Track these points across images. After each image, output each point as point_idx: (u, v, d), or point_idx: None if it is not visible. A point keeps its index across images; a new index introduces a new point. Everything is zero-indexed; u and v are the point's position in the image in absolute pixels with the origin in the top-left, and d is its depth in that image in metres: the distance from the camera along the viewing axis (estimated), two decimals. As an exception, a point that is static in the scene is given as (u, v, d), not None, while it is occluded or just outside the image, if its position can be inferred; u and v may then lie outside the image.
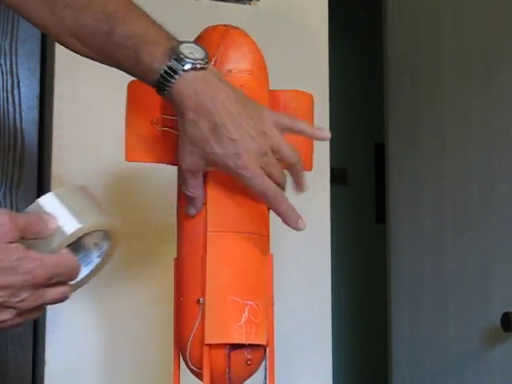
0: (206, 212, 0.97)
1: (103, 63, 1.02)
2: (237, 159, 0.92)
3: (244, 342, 0.95)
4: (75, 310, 1.55)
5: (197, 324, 0.95)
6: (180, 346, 1.00)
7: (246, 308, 0.95)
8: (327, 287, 1.76)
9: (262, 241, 1.00)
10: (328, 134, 1.03)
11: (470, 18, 2.18)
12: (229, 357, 0.95)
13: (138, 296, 1.59)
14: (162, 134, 1.01)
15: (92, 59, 1.03)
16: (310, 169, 1.08)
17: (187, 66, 0.92)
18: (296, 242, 1.71)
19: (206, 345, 0.94)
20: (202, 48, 0.95)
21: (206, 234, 0.97)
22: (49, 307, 1.52)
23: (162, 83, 0.93)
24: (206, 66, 0.94)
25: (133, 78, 1.03)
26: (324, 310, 1.75)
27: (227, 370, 0.95)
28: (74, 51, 1.05)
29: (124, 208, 1.60)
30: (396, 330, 2.39)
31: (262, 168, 0.93)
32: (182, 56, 0.92)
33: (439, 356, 2.20)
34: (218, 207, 0.97)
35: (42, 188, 1.61)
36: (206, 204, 0.98)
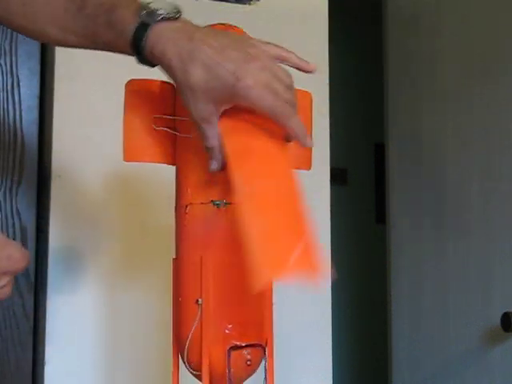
0: (206, 212, 0.97)
1: (86, 47, 1.01)
2: (236, 82, 0.88)
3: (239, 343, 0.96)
4: (75, 311, 1.55)
5: (195, 324, 0.95)
6: (179, 347, 1.00)
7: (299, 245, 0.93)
8: (327, 287, 1.76)
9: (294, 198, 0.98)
10: (313, 67, 1.00)
11: (469, 18, 2.18)
12: (228, 357, 0.95)
13: (138, 296, 1.59)
14: (161, 133, 1.01)
15: (75, 46, 1.02)
16: (309, 168, 1.08)
17: (159, 18, 0.91)
18: (296, 242, 1.71)
19: (207, 344, 0.94)
20: (172, 3, 0.94)
21: (207, 232, 0.97)
22: (49, 307, 1.52)
23: (138, 40, 0.92)
24: (178, 15, 0.93)
25: (131, 77, 1.03)
26: (324, 310, 1.75)
27: (227, 370, 0.95)
28: (58, 43, 1.04)
29: (124, 208, 1.60)
30: (396, 330, 2.39)
31: (265, 86, 0.90)
32: (151, 10, 0.92)
33: (439, 356, 2.20)
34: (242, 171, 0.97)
35: (42, 188, 1.61)
36: (206, 204, 0.97)
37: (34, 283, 1.56)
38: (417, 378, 2.29)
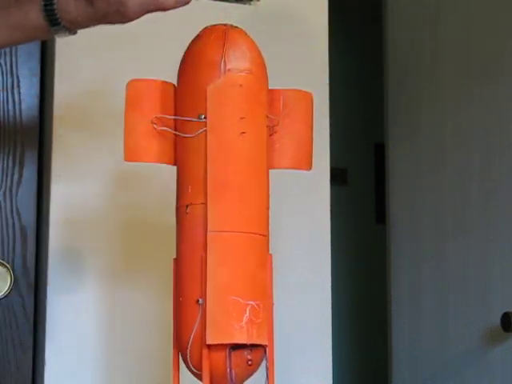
0: (206, 212, 0.97)
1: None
2: None
3: (246, 342, 0.95)
4: (75, 311, 1.55)
5: (196, 324, 0.95)
6: (179, 347, 1.00)
7: (248, 308, 0.95)
8: (327, 287, 1.76)
9: (261, 241, 0.99)
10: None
11: (470, 18, 2.18)
12: (229, 357, 0.94)
13: (139, 296, 1.58)
14: (161, 134, 1.01)
15: None
16: (309, 168, 1.08)
17: None
18: (296, 242, 1.71)
19: (207, 345, 0.94)
20: None
21: (206, 233, 0.96)
22: (49, 307, 1.52)
23: (50, 10, 0.98)
24: None
25: (132, 78, 1.03)
26: (324, 310, 1.75)
27: (228, 370, 0.95)
28: None
29: (124, 208, 1.60)
30: (396, 330, 2.38)
31: None
32: None
33: (439, 356, 2.19)
34: (218, 207, 0.97)
35: (42, 188, 1.61)
36: (206, 204, 0.97)
37: (34, 283, 1.56)
38: (417, 378, 2.29)
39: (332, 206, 1.79)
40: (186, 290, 0.98)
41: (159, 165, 1.04)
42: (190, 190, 0.99)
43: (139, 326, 1.58)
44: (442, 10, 2.30)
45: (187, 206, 0.99)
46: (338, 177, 3.48)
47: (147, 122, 1.01)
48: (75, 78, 1.58)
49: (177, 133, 1.00)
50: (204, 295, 0.95)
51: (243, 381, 0.99)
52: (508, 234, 1.98)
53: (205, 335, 0.94)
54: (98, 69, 1.60)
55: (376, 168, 3.63)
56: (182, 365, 1.04)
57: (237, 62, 1.01)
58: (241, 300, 0.94)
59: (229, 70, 1.00)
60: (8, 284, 1.52)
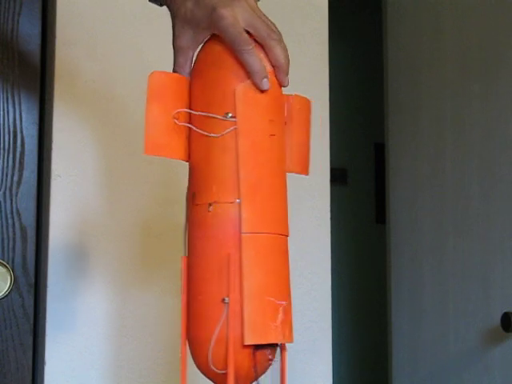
0: (233, 211, 0.97)
1: None
2: (213, 12, 0.95)
3: (281, 341, 0.96)
4: (75, 311, 1.55)
5: (221, 323, 0.94)
6: (195, 346, 0.99)
7: (280, 308, 0.96)
8: (327, 287, 1.76)
9: (286, 241, 1.01)
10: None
11: (470, 17, 2.18)
12: (254, 356, 0.95)
13: (139, 296, 1.59)
14: (181, 128, 1.00)
15: None
16: (307, 173, 1.08)
17: None
18: (296, 242, 1.71)
19: (241, 346, 0.94)
20: None
21: (238, 234, 0.97)
22: (49, 307, 1.52)
23: None
24: None
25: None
26: (324, 309, 1.75)
27: (254, 369, 0.95)
28: None
29: (124, 208, 1.60)
30: (396, 330, 2.39)
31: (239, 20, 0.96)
32: None
33: (439, 356, 2.20)
34: (252, 208, 0.98)
35: (42, 188, 1.61)
36: (233, 203, 0.97)
37: (34, 283, 1.56)
38: (417, 378, 2.29)
39: (332, 206, 1.79)
40: (209, 288, 0.97)
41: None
42: (214, 189, 0.98)
43: (140, 325, 1.58)
44: (441, 10, 2.30)
45: (210, 205, 0.98)
46: (337, 177, 3.49)
47: (168, 115, 0.99)
48: (75, 78, 1.58)
49: (201, 131, 0.99)
50: (229, 294, 0.95)
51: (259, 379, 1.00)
52: (508, 234, 1.98)
53: (231, 334, 0.94)
54: (99, 69, 1.60)
55: (376, 168, 3.64)
56: (188, 366, 1.03)
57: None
58: (275, 300, 0.96)
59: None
60: (8, 284, 1.52)
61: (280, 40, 0.99)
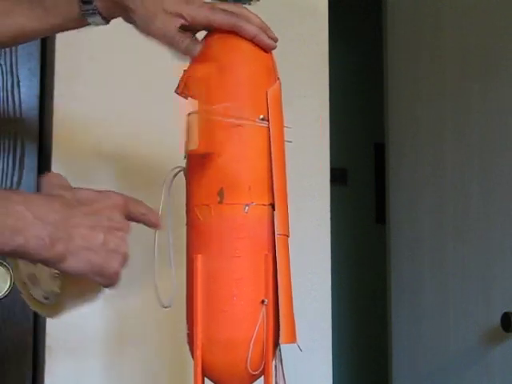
0: (268, 213, 0.99)
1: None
2: None
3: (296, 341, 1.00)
4: (75, 310, 1.55)
5: (258, 324, 0.95)
6: (229, 349, 0.98)
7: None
8: (327, 287, 1.76)
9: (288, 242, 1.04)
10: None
11: (470, 17, 2.18)
12: (280, 354, 0.98)
13: (139, 295, 1.59)
14: (216, 125, 0.99)
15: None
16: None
17: None
18: (296, 242, 1.71)
19: (269, 346, 0.96)
20: None
21: (273, 235, 0.98)
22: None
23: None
24: None
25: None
26: (324, 309, 1.75)
27: (280, 367, 0.99)
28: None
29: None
30: (396, 329, 2.39)
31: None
32: None
33: (439, 356, 2.20)
34: (283, 211, 1.01)
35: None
36: (268, 205, 0.99)
37: (34, 283, 1.56)
38: (417, 378, 2.29)
39: (332, 206, 1.79)
40: (245, 289, 0.97)
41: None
42: (250, 190, 0.98)
43: (140, 325, 1.58)
44: (441, 10, 2.30)
45: (246, 206, 0.98)
46: (337, 177, 3.49)
47: (202, 111, 0.99)
48: (75, 78, 1.58)
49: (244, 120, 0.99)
50: (268, 296, 0.96)
51: None
52: (508, 234, 1.98)
53: (269, 335, 0.95)
54: (98, 69, 1.60)
55: (376, 168, 3.64)
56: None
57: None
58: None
59: (277, 76, 1.04)
60: (8, 284, 1.52)
61: (240, 13, 1.00)
